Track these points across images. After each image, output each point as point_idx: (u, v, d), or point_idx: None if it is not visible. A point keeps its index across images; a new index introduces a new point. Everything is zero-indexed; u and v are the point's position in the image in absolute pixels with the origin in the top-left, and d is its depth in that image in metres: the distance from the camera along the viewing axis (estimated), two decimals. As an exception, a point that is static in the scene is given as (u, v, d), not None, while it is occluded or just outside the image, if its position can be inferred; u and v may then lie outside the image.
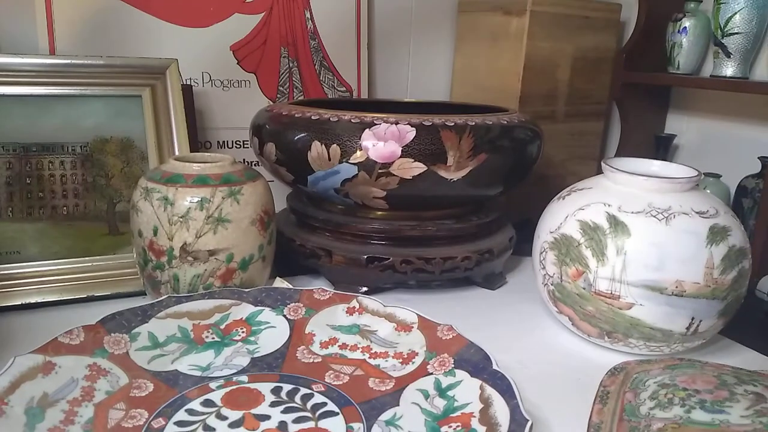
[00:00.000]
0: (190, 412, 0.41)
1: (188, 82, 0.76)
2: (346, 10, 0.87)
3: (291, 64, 0.85)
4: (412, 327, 0.49)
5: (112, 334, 0.45)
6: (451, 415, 0.40)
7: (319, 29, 0.85)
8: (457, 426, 0.39)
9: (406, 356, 0.47)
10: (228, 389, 0.43)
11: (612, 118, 1.03)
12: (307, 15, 0.84)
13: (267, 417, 0.40)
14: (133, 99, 0.64)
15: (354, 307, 0.51)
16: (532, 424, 0.35)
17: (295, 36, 0.84)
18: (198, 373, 0.45)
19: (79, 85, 0.61)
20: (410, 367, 0.45)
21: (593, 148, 0.99)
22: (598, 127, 0.98)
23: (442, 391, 0.42)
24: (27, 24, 0.69)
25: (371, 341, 0.49)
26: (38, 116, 0.60)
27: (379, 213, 0.64)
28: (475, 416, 0.39)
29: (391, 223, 0.63)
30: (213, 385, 0.44)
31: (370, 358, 0.47)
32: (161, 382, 0.43)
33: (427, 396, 0.42)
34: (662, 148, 0.94)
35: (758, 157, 0.83)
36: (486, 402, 0.39)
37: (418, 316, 0.49)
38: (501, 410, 0.37)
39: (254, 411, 0.41)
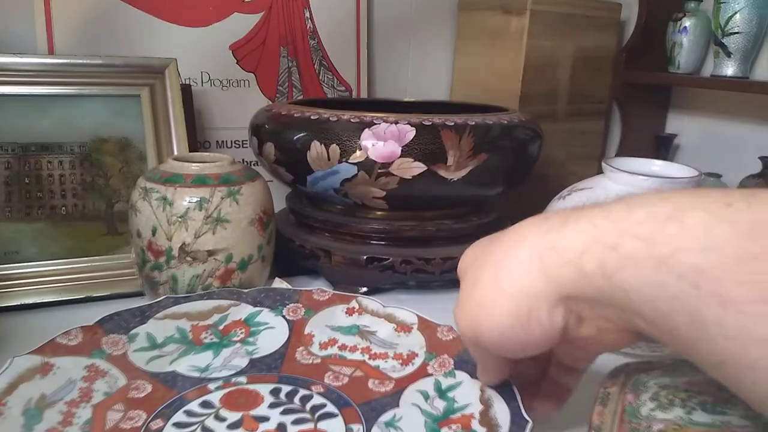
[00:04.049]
0: (189, 413, 0.40)
1: (187, 82, 0.76)
2: (346, 10, 0.87)
3: (290, 64, 0.84)
4: (412, 328, 0.48)
5: (111, 335, 0.45)
6: (452, 416, 0.40)
7: (318, 29, 0.85)
8: (457, 427, 0.38)
9: (405, 357, 0.46)
10: (227, 390, 0.43)
11: (612, 117, 1.03)
12: (307, 14, 0.84)
13: (266, 418, 0.40)
14: (131, 99, 0.64)
15: (353, 308, 0.51)
16: (532, 426, 0.35)
17: (294, 35, 0.84)
18: (196, 374, 0.45)
19: (78, 85, 0.61)
20: (410, 368, 0.45)
21: (594, 148, 0.98)
22: (598, 126, 0.98)
23: (442, 393, 0.42)
24: (25, 23, 0.69)
25: (371, 342, 0.49)
26: (36, 116, 0.60)
27: (379, 213, 0.64)
28: (475, 418, 0.38)
29: (391, 224, 0.63)
30: (211, 386, 0.43)
31: (369, 359, 0.47)
32: (160, 383, 0.43)
33: (427, 397, 0.42)
34: (663, 147, 0.94)
35: (759, 157, 0.83)
36: (486, 403, 0.39)
37: (418, 316, 0.49)
38: (501, 411, 0.37)
39: (253, 412, 0.41)
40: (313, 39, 0.85)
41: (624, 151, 0.97)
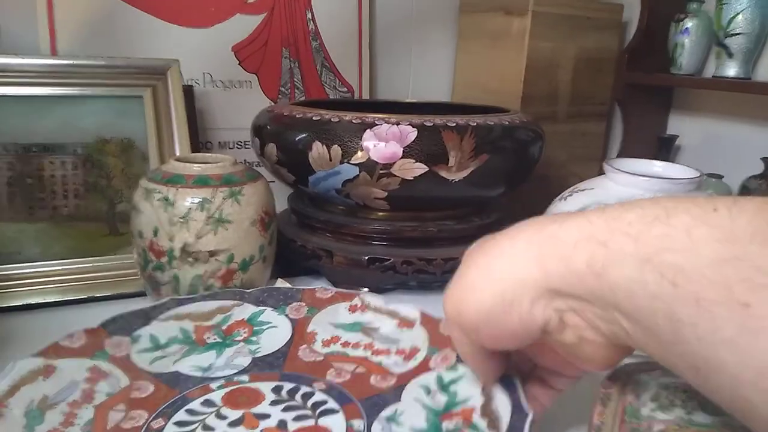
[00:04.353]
0: (190, 412, 0.40)
1: (189, 83, 0.77)
2: (348, 11, 0.87)
3: (292, 65, 0.85)
4: (415, 323, 0.48)
5: (114, 337, 0.45)
6: (453, 409, 0.40)
7: (320, 30, 0.85)
8: (458, 420, 0.38)
9: (408, 353, 0.46)
10: (229, 389, 0.43)
11: (614, 118, 1.03)
12: (309, 15, 0.84)
13: (267, 416, 0.40)
14: (134, 99, 0.64)
15: (356, 305, 0.51)
16: (532, 419, 0.35)
17: (296, 36, 0.84)
18: (199, 374, 0.45)
19: (80, 86, 0.61)
20: (412, 363, 0.45)
21: (595, 149, 0.98)
22: (600, 127, 0.98)
23: (443, 387, 0.42)
24: (28, 24, 0.69)
25: (374, 338, 0.49)
26: (39, 117, 0.60)
27: (380, 214, 0.64)
28: (476, 410, 0.38)
29: (392, 224, 0.63)
30: (213, 385, 0.44)
31: (372, 355, 0.47)
32: (162, 383, 0.43)
33: (428, 391, 0.42)
34: (664, 148, 0.94)
35: (761, 158, 0.83)
36: (488, 396, 0.39)
37: (421, 312, 0.49)
38: (502, 404, 0.37)
39: (254, 410, 0.41)
40: (315, 40, 0.85)
41: (625, 152, 0.97)
